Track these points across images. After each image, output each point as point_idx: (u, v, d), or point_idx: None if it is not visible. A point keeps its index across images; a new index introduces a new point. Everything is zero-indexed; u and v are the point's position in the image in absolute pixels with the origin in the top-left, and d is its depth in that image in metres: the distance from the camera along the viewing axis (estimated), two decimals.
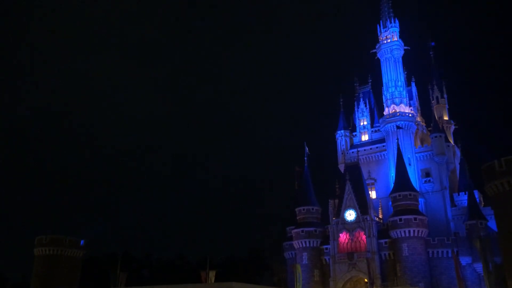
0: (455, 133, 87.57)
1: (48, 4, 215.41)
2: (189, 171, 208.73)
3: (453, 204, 74.86)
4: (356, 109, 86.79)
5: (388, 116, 78.52)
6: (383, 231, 66.50)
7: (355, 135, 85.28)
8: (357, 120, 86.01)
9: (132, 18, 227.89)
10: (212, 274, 49.94)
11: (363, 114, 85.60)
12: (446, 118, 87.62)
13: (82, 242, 74.16)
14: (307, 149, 77.84)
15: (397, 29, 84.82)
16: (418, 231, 63.27)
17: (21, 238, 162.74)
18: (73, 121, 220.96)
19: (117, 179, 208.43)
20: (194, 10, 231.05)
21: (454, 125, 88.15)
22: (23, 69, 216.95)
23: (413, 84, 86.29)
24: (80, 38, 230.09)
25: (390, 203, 68.61)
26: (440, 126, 79.99)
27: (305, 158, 77.31)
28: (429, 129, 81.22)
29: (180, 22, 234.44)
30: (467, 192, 71.35)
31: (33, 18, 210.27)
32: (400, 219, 63.77)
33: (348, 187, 68.70)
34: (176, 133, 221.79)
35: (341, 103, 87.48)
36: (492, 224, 60.85)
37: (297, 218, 73.21)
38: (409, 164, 74.07)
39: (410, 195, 65.84)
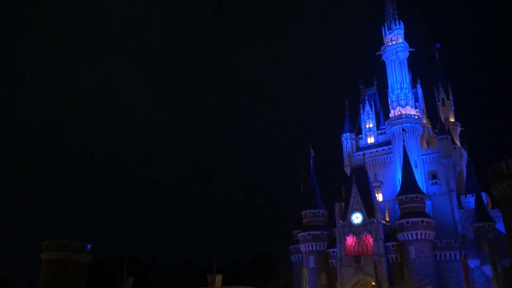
0: (461, 135, 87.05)
1: (49, 10, 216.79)
2: (194, 176, 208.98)
3: (460, 206, 74.34)
4: (361, 112, 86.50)
5: (394, 119, 78.22)
6: (390, 234, 66.12)
7: (361, 137, 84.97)
8: (363, 123, 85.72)
9: (136, 22, 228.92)
10: (218, 278, 49.83)
11: (368, 117, 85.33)
12: (452, 119, 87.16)
13: (89, 246, 74.49)
14: (312, 152, 77.77)
15: (402, 31, 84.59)
16: (425, 233, 62.83)
17: (28, 243, 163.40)
18: (79, 127, 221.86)
19: (123, 184, 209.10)
20: (198, 12, 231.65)
21: (461, 126, 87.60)
22: (25, 76, 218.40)
23: (418, 86, 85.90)
24: (81, 43, 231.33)
25: (397, 205, 68.20)
26: (446, 128, 79.50)
27: (311, 161, 77.12)
28: (435, 131, 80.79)
29: (185, 25, 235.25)
30: (474, 194, 70.80)
31: (35, 24, 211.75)
32: (407, 222, 63.38)
33: (354, 190, 68.40)
34: (181, 139, 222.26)
35: (346, 105, 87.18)
36: (500, 226, 60.36)
37: (303, 221, 72.97)
38: (416, 167, 73.67)
39: (417, 197, 65.43)
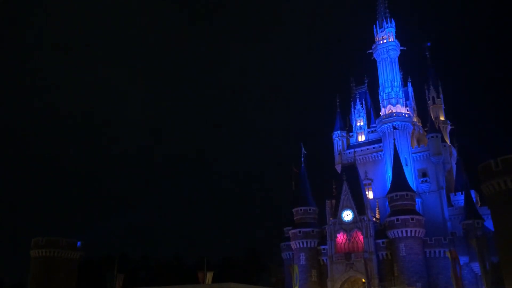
0: (451, 133, 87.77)
1: (49, 7, 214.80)
2: (185, 173, 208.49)
3: (449, 204, 74.95)
4: (352, 110, 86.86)
5: (384, 117, 78.65)
6: (380, 231, 66.56)
7: (352, 135, 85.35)
8: (354, 121, 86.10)
9: (134, 19, 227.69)
10: (209, 275, 49.74)
11: (359, 115, 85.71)
12: (442, 118, 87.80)
13: (79, 243, 74.07)
14: (304, 149, 78.01)
15: (393, 30, 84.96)
16: (415, 231, 63.37)
17: (18, 240, 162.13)
18: (70, 123, 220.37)
19: (113, 180, 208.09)
20: (194, 12, 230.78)
21: (450, 125, 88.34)
22: (26, 70, 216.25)
23: (409, 85, 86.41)
24: (81, 38, 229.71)
25: (387, 203, 68.70)
26: (437, 126, 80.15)
27: (302, 159, 77.41)
28: (425, 129, 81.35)
29: (181, 23, 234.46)
30: (463, 192, 71.50)
31: (35, 18, 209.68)
32: (397, 219, 63.87)
33: (345, 187, 68.72)
34: (173, 135, 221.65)
35: (337, 103, 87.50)
36: (489, 223, 61.05)
37: (295, 218, 73.20)
38: (406, 164, 74.20)
39: (407, 195, 65.95)
